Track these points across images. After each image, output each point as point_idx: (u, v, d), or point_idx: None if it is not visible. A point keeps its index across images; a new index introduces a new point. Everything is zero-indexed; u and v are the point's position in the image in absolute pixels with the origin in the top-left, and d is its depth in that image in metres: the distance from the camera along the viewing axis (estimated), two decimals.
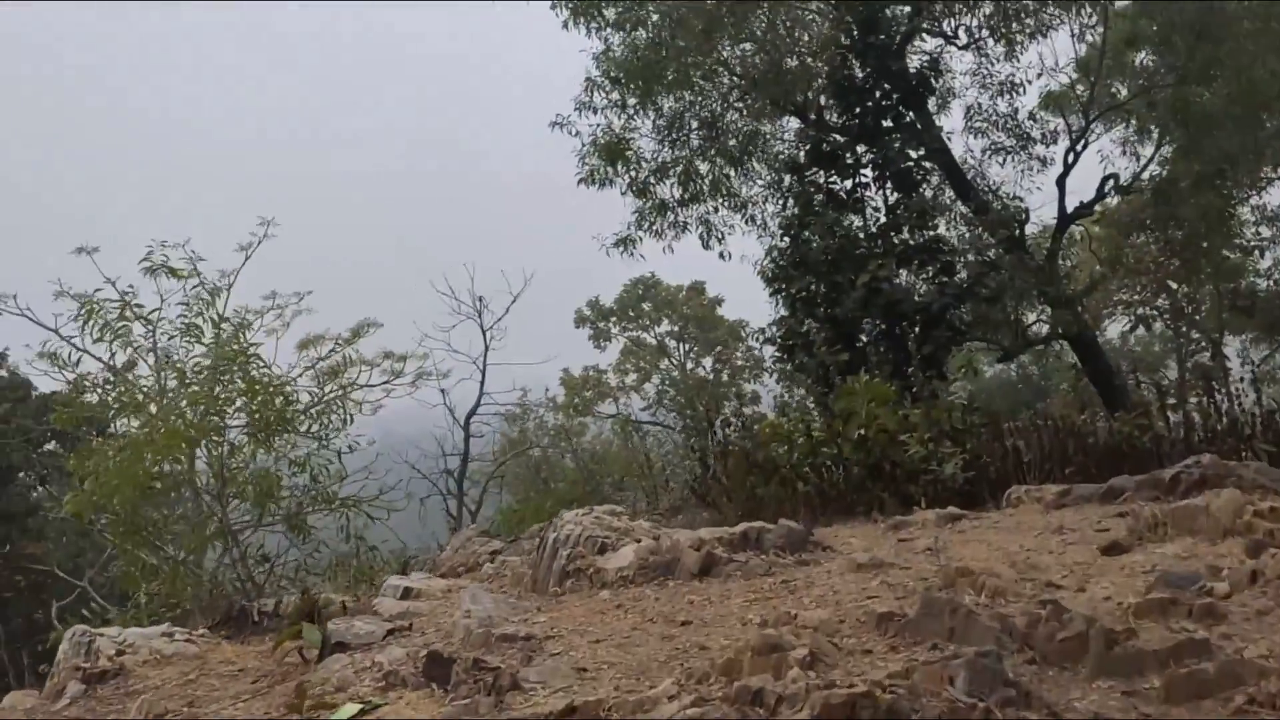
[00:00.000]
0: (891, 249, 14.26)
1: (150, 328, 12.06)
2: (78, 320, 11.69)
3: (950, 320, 14.01)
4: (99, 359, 12.51)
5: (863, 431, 9.85)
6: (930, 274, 14.23)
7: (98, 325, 11.60)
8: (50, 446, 20.47)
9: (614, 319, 38.26)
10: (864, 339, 14.16)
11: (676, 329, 39.20)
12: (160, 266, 11.78)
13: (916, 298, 13.98)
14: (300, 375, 17.72)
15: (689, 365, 39.06)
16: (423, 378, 23.54)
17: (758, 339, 16.11)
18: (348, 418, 13.12)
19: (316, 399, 17.37)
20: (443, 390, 23.02)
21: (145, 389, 12.57)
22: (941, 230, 15.12)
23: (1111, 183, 16.89)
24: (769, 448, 10.27)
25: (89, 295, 11.50)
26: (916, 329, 13.96)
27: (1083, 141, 16.98)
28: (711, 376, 39.14)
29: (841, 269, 13.77)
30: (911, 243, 14.49)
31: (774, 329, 14.82)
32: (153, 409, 11.90)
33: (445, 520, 23.17)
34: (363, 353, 22.39)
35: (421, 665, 4.25)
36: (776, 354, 14.73)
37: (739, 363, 38.82)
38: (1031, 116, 17.13)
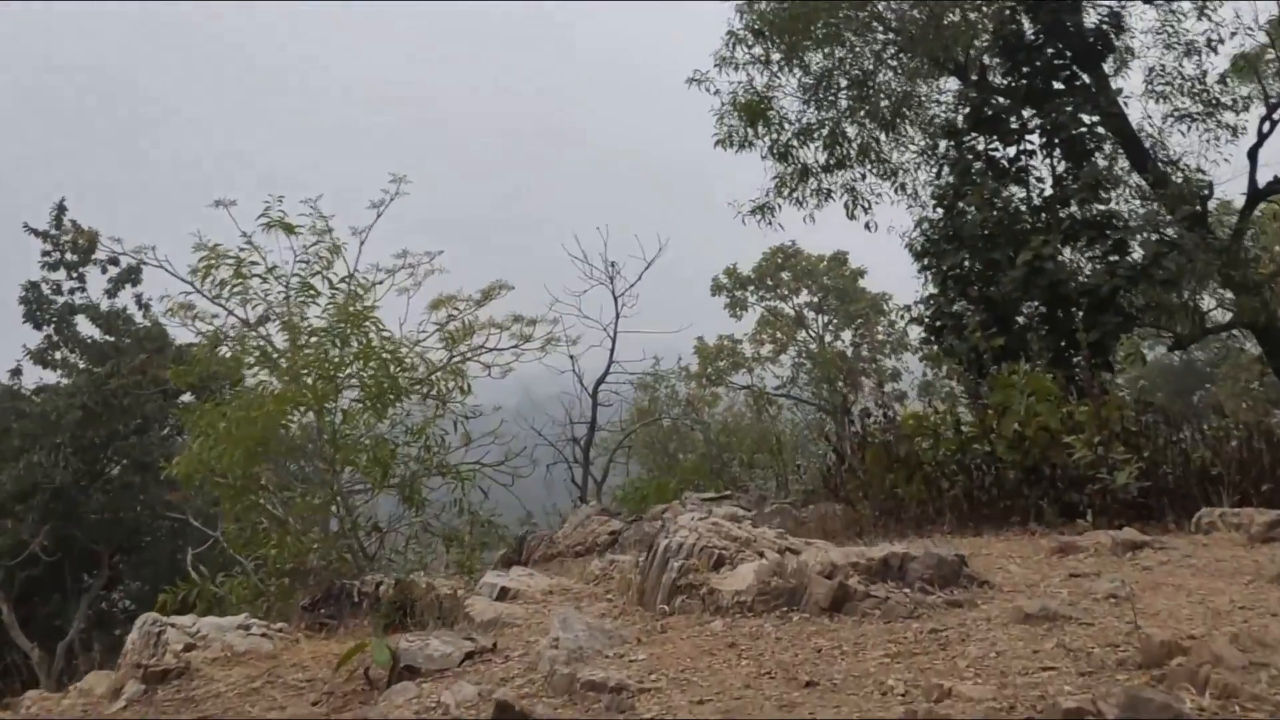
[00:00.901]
0: (1057, 224, 12.92)
1: (268, 285, 11.78)
2: (195, 274, 11.52)
3: (1119, 304, 12.63)
4: (232, 312, 12.38)
5: (1020, 429, 8.78)
6: (1100, 253, 12.84)
7: (215, 280, 11.41)
8: (188, 398, 20.80)
9: (751, 288, 37.21)
10: (1021, 322, 12.91)
11: (816, 300, 37.90)
12: (277, 223, 11.46)
13: (1083, 278, 12.64)
14: (429, 337, 17.49)
15: (827, 338, 37.76)
16: (552, 343, 23.22)
17: (902, 316, 14.95)
18: (466, 386, 12.68)
19: (442, 363, 17.08)
20: (572, 356, 22.64)
21: (267, 347, 12.38)
22: (1114, 205, 13.64)
23: None
24: (912, 441, 9.30)
25: (209, 248, 11.29)
26: (1081, 313, 12.63)
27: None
28: (850, 351, 37.76)
29: (1000, 244, 12.53)
30: (1079, 217, 13.10)
31: (921, 307, 13.68)
32: (264, 374, 11.70)
33: (570, 489, 22.87)
34: (493, 315, 22.09)
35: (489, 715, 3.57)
36: (924, 335, 13.60)
37: (880, 338, 37.31)
38: (1222, 80, 15.34)
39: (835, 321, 38.08)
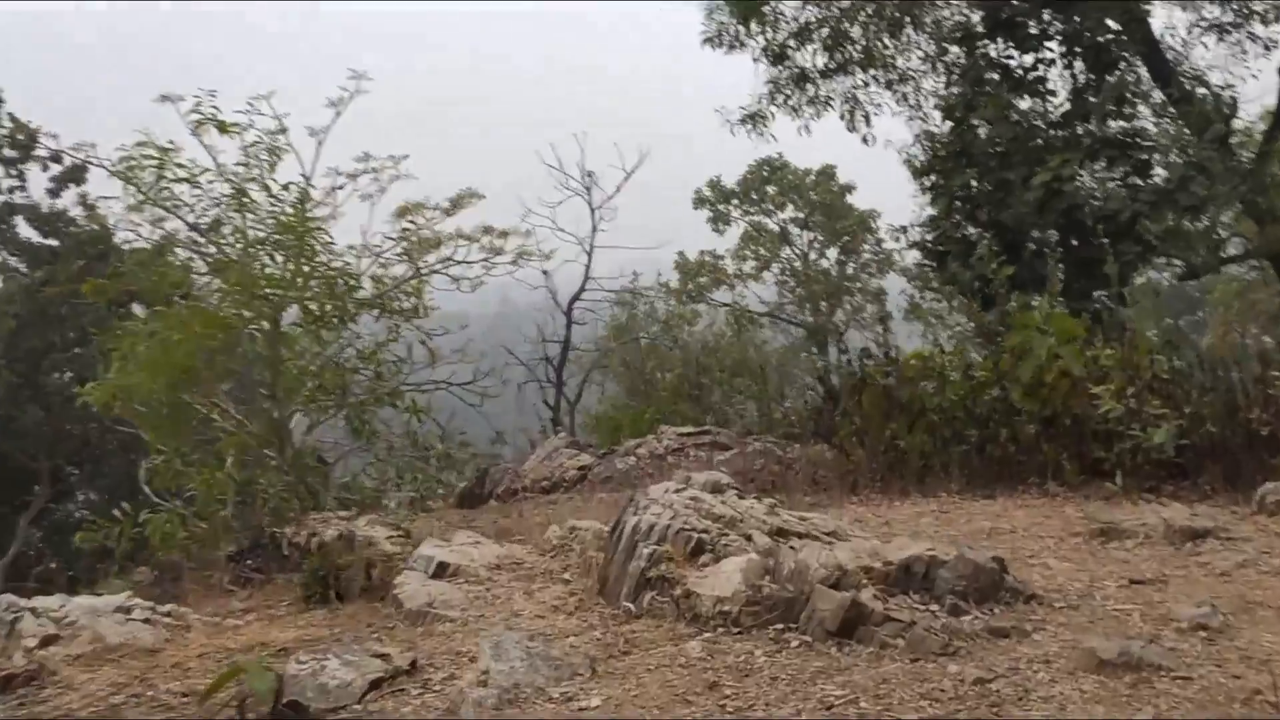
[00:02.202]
0: (1076, 142, 11.76)
1: (200, 191, 10.50)
2: (125, 175, 10.25)
3: (1138, 232, 11.56)
4: (174, 217, 11.16)
5: (1039, 375, 7.77)
6: (1122, 175, 11.72)
7: (142, 184, 10.15)
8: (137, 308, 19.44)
9: (735, 202, 35.86)
10: (1032, 250, 11.83)
11: (801, 216, 36.62)
12: (209, 120, 10.16)
13: (1099, 202, 11.54)
14: (391, 248, 16.26)
15: (812, 256, 36.60)
16: (525, 257, 21.99)
17: (896, 238, 13.87)
18: (423, 307, 11.54)
19: (404, 277, 15.87)
20: (545, 271, 21.46)
21: (196, 260, 11.18)
22: (1137, 123, 12.46)
23: None
24: (915, 385, 8.29)
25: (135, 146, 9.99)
26: (1097, 240, 11.57)
27: None
28: (835, 269, 36.67)
29: (1013, 163, 11.37)
30: (1100, 135, 11.94)
31: (922, 230, 12.56)
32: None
33: (541, 411, 21.90)
34: (461, 226, 20.70)
35: None
36: (924, 261, 12.50)
37: (866, 256, 36.18)
38: None
39: (821, 239, 36.87)
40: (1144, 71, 14.09)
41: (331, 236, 11.44)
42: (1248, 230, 15.91)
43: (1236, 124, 14.35)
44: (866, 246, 36.48)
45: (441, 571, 5.43)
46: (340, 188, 16.90)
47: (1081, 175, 11.39)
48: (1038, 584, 4.21)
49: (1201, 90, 13.97)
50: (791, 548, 4.52)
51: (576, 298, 21.56)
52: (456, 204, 20.39)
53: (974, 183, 11.49)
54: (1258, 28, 14.36)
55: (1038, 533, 5.53)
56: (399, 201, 18.47)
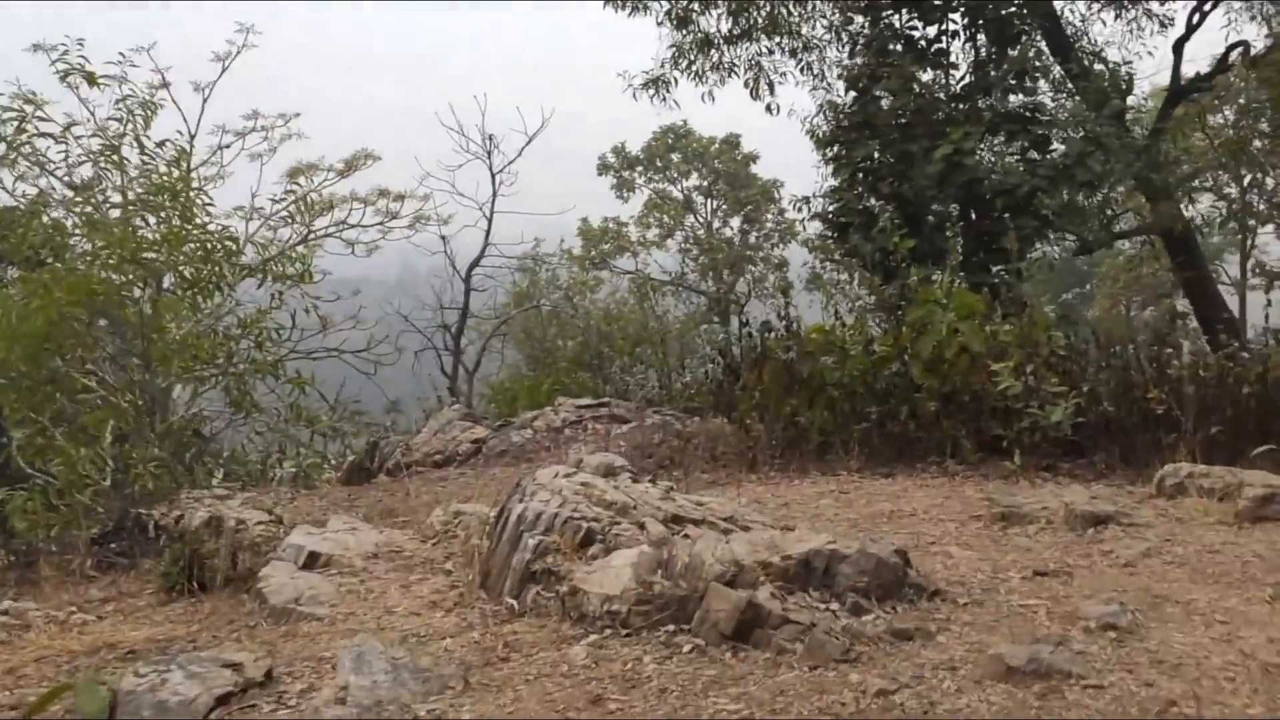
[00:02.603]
0: (977, 115, 11.72)
1: (66, 146, 9.79)
2: None
3: (1035, 206, 11.61)
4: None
5: (939, 351, 7.68)
6: (1021, 149, 11.73)
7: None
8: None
9: (640, 169, 35.52)
10: (932, 223, 11.78)
11: (705, 184, 36.48)
12: (75, 70, 9.44)
13: (998, 176, 11.53)
14: (280, 210, 15.65)
15: (715, 224, 36.53)
16: (422, 221, 21.34)
17: (798, 208, 13.71)
18: (308, 274, 10.99)
19: (293, 240, 15.31)
20: (444, 237, 20.85)
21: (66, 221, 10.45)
22: (1037, 97, 12.48)
23: (1239, 52, 14.07)
24: (816, 360, 8.12)
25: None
26: (997, 214, 11.59)
27: (1212, 1, 14.12)
28: (738, 239, 36.68)
29: (916, 135, 11.27)
30: (1000, 109, 11.94)
31: (824, 201, 12.41)
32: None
33: (438, 380, 21.34)
34: (355, 189, 19.98)
35: None
36: (826, 232, 12.38)
37: (769, 226, 36.25)
38: None
39: (725, 207, 36.82)
40: (1045, 46, 14.19)
41: (210, 197, 10.82)
42: (1136, 205, 16.23)
43: (1131, 100, 14.57)
44: (769, 216, 36.57)
45: (312, 562, 5.04)
46: (227, 146, 16.04)
47: (982, 149, 11.36)
48: (940, 576, 4.03)
49: (1099, 66, 14.12)
50: (686, 537, 4.28)
51: (476, 264, 21.02)
52: (351, 165, 19.61)
53: (876, 154, 11.36)
54: (1154, 4, 14.57)
55: (938, 516, 5.39)
56: (291, 162, 17.68)
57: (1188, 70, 14.55)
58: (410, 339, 21.96)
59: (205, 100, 14.61)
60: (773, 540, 3.93)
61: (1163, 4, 14.85)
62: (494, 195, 20.35)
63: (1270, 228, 24.77)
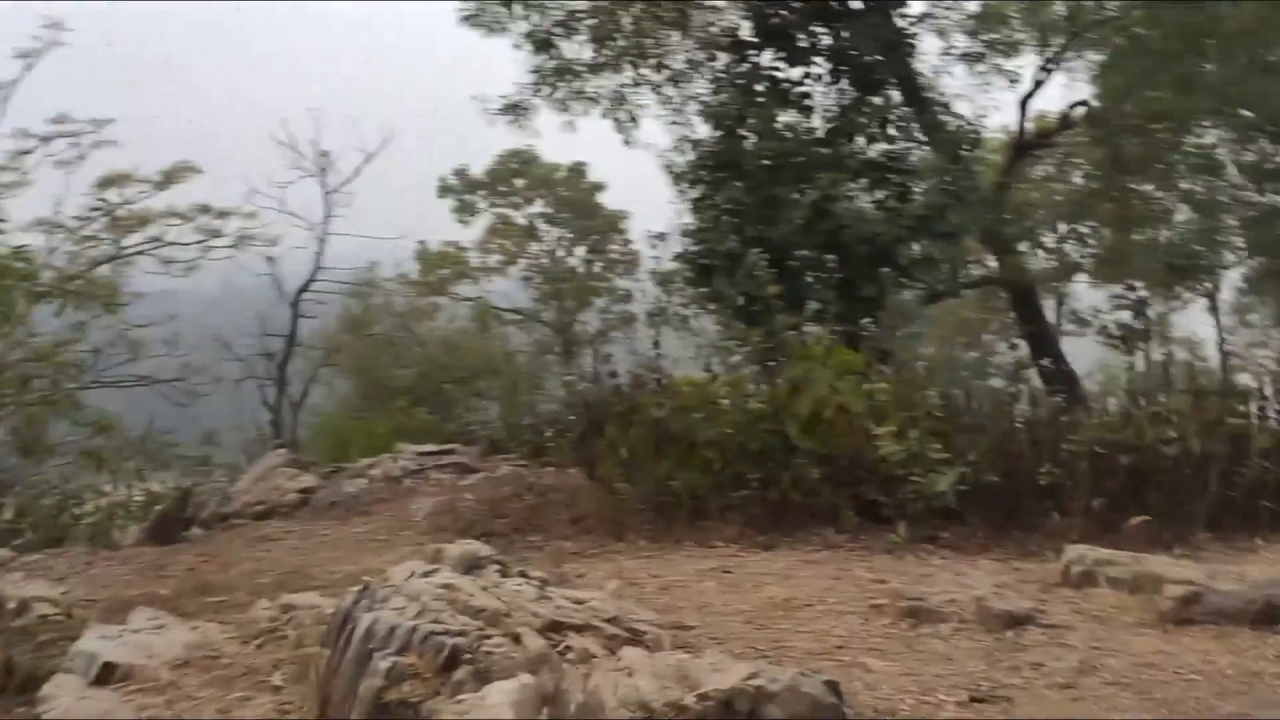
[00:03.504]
0: (840, 161, 11.55)
1: None
2: None
3: (895, 256, 11.52)
4: None
5: (817, 410, 7.26)
6: (882, 198, 11.62)
7: None
8: None
9: (483, 192, 34.57)
10: (794, 268, 11.51)
11: (550, 211, 35.83)
12: None
13: (863, 224, 11.36)
14: (86, 225, 14.20)
15: (559, 253, 35.91)
16: (247, 240, 19.87)
17: (653, 244, 13.26)
18: (114, 303, 9.78)
19: (101, 260, 13.90)
20: (270, 259, 19.54)
21: None
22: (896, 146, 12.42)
23: (1083, 109, 14.50)
24: (689, 416, 7.57)
25: None
26: (857, 262, 11.42)
27: (1059, 59, 14.50)
28: (582, 268, 36.20)
29: (783, 179, 10.99)
30: (863, 157, 11.83)
31: (686, 241, 11.97)
32: None
33: (261, 412, 19.93)
34: (175, 204, 18.53)
35: None
36: (689, 274, 11.95)
37: (614, 257, 35.89)
38: (1004, 21, 14.46)
39: (570, 236, 36.27)
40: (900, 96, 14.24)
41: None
42: (979, 256, 16.55)
43: (979, 154, 14.79)
44: (615, 247, 36.25)
45: (108, 675, 4.09)
46: (28, 151, 14.50)
47: (851, 196, 11.18)
48: (866, 701, 3.49)
49: (949, 118, 14.25)
50: (568, 651, 3.61)
51: (305, 288, 19.74)
52: (170, 178, 18.01)
53: (742, 196, 11.00)
54: (1002, 60, 14.84)
55: (837, 606, 4.87)
56: (102, 171, 16.17)
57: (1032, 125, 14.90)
58: (231, 367, 20.40)
59: (4, 100, 13.18)
60: (681, 669, 3.28)
61: (1007, 59, 15.17)
62: (327, 215, 19.18)
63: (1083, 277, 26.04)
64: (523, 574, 4.51)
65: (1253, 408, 7.57)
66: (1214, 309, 25.42)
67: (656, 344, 7.92)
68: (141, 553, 8.46)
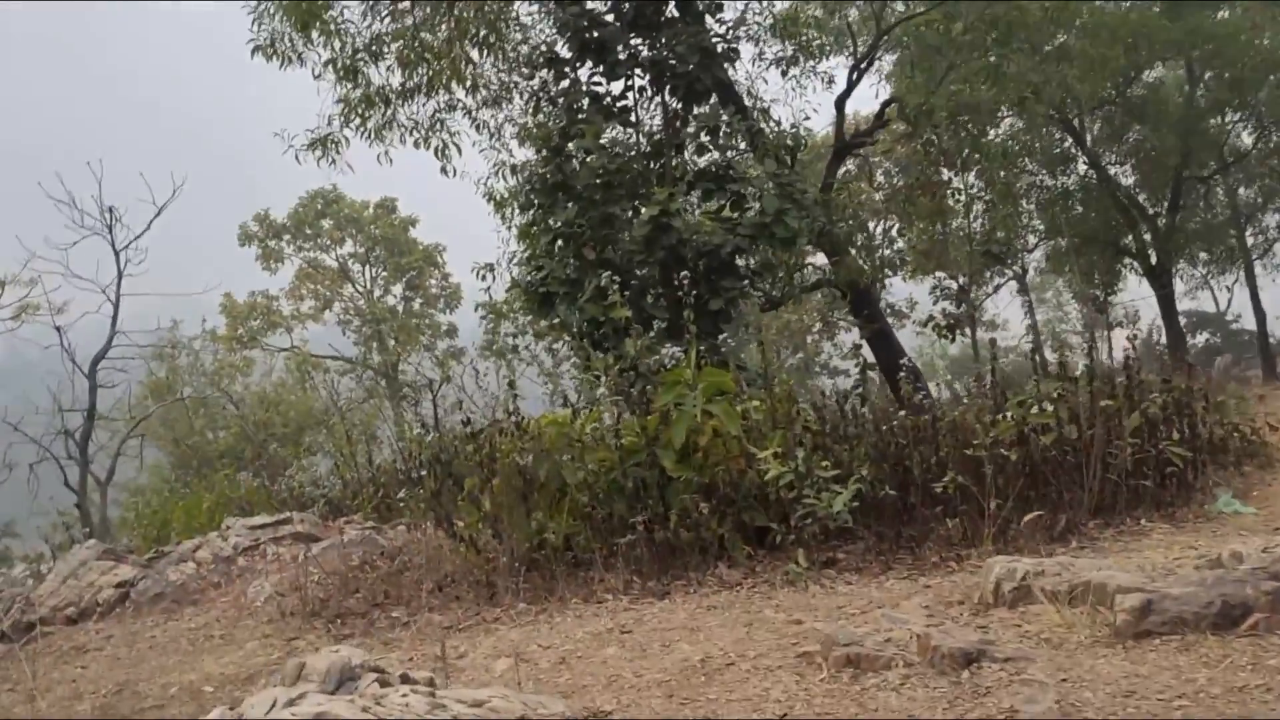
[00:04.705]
0: (671, 174, 11.20)
1: None
2: None
3: (736, 266, 11.22)
4: None
5: (692, 439, 6.78)
6: (717, 208, 11.31)
7: None
8: None
9: (288, 237, 32.97)
10: (635, 287, 11.07)
11: (362, 251, 34.53)
12: None
13: (703, 236, 11.02)
14: None
15: (376, 293, 34.62)
16: (29, 310, 18.14)
17: (481, 276, 12.59)
18: None
19: None
20: (59, 328, 17.79)
21: None
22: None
23: (895, 107, 14.70)
24: (553, 459, 6.96)
25: None
26: (698, 276, 11.07)
27: (869, 59, 14.68)
28: (401, 306, 34.99)
29: (618, 196, 10.53)
30: (693, 168, 11.52)
31: (521, 269, 11.35)
32: None
33: (62, 496, 18.08)
34: None
35: None
36: (526, 303, 11.31)
37: (433, 291, 34.88)
38: (815, 25, 14.50)
39: (385, 274, 35.04)
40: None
41: None
42: (810, 260, 16.60)
43: (801, 156, 14.77)
44: (433, 281, 35.24)
45: None
46: None
47: (688, 209, 10.82)
48: None
49: (767, 124, 14.17)
50: None
51: (101, 356, 18.04)
52: None
53: (575, 218, 10.46)
54: (821, 64, 14.90)
55: (762, 661, 4.37)
56: None
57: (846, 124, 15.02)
58: (24, 449, 18.51)
59: None
60: None
61: (818, 62, 15.25)
62: (119, 275, 17.58)
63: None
64: (405, 678, 3.80)
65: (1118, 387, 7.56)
66: (1024, 290, 26.58)
67: (511, 384, 7.25)
68: None
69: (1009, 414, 7.16)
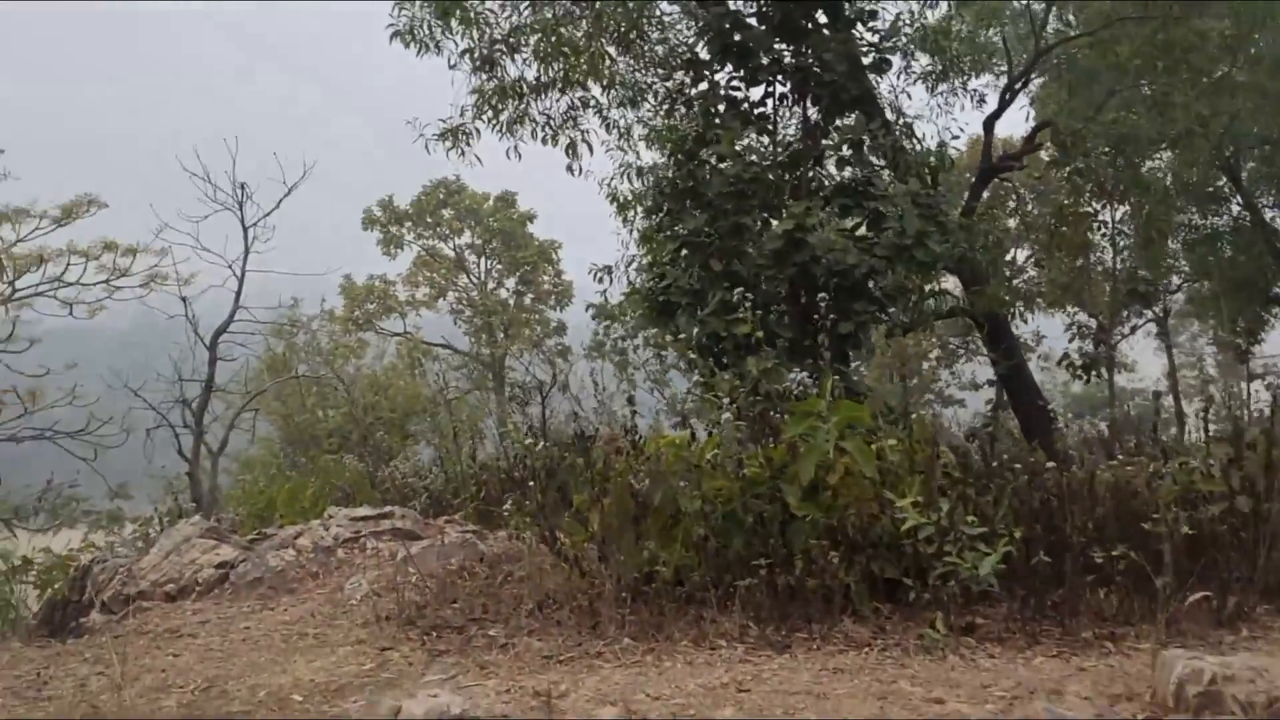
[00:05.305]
0: (807, 186, 10.68)
1: None
2: None
3: (869, 288, 10.65)
4: None
5: (820, 475, 6.27)
6: (852, 226, 10.76)
7: None
8: None
9: (409, 224, 33.36)
10: (759, 304, 10.58)
11: (479, 243, 34.75)
12: None
13: (835, 254, 10.47)
14: None
15: (489, 285, 34.80)
16: (158, 280, 18.47)
17: (598, 278, 12.26)
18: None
19: None
20: (184, 298, 18.08)
21: None
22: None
23: (1048, 131, 13.88)
24: (668, 481, 6.53)
25: None
26: (828, 296, 10.54)
27: (1024, 79, 13.88)
28: (513, 300, 35.09)
29: (750, 207, 10.06)
30: (831, 182, 11.00)
31: (642, 277, 10.97)
32: None
33: (174, 462, 18.43)
34: (74, 241, 17.06)
35: None
36: (647, 311, 10.91)
37: (546, 287, 34.89)
38: (971, 38, 13.80)
39: (500, 267, 35.21)
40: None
41: None
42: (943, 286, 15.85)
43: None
44: (546, 278, 35.26)
45: None
46: None
47: (822, 224, 10.29)
48: None
49: (910, 142, 13.52)
50: None
51: (223, 329, 18.30)
52: (69, 212, 16.64)
53: (705, 227, 10.02)
54: (973, 81, 14.20)
55: None
56: None
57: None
58: (143, 414, 18.85)
59: None
60: None
61: (967, 80, 14.54)
62: (246, 251, 17.78)
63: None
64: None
65: None
66: (1164, 333, 25.17)
67: (631, 399, 6.83)
68: (24, 656, 7.14)
69: (1172, 477, 6.46)
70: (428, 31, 11.52)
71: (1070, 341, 16.76)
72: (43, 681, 6.19)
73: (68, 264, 15.42)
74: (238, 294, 17.84)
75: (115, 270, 16.86)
